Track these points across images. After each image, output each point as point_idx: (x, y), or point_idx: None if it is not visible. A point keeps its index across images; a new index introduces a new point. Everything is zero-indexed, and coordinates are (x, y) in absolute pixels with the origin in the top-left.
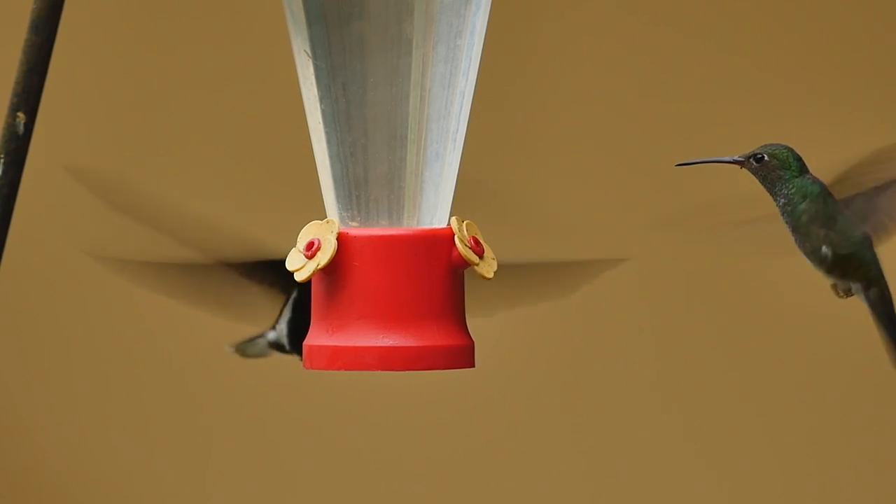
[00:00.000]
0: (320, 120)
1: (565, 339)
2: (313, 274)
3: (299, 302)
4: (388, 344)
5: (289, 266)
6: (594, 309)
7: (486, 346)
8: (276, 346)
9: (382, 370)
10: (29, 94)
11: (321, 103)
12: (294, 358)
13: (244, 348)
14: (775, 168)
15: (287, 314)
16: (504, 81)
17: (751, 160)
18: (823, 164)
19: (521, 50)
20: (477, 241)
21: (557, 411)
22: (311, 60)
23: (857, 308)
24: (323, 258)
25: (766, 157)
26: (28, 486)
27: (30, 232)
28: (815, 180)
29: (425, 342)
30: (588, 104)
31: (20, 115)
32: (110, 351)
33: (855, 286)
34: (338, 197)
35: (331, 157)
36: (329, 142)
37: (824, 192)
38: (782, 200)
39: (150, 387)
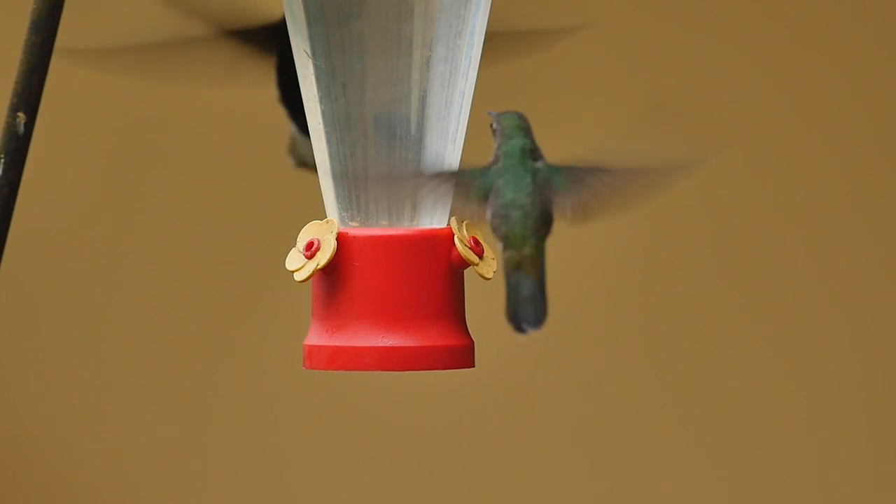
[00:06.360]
0: (320, 120)
1: (565, 339)
2: (313, 274)
3: (281, 66)
4: (388, 344)
5: (288, 266)
6: (595, 308)
7: (487, 345)
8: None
9: (382, 370)
10: (29, 94)
11: (321, 103)
12: (295, 360)
13: (297, 153)
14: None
15: (276, 77)
16: (504, 82)
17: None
18: (825, 156)
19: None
20: (477, 241)
21: (558, 411)
22: (310, 60)
23: (857, 307)
24: (322, 258)
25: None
26: (28, 486)
27: (30, 232)
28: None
29: (425, 342)
30: (589, 104)
31: (20, 114)
32: (110, 350)
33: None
34: (338, 197)
35: (331, 156)
36: (329, 141)
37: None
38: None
39: (151, 386)
